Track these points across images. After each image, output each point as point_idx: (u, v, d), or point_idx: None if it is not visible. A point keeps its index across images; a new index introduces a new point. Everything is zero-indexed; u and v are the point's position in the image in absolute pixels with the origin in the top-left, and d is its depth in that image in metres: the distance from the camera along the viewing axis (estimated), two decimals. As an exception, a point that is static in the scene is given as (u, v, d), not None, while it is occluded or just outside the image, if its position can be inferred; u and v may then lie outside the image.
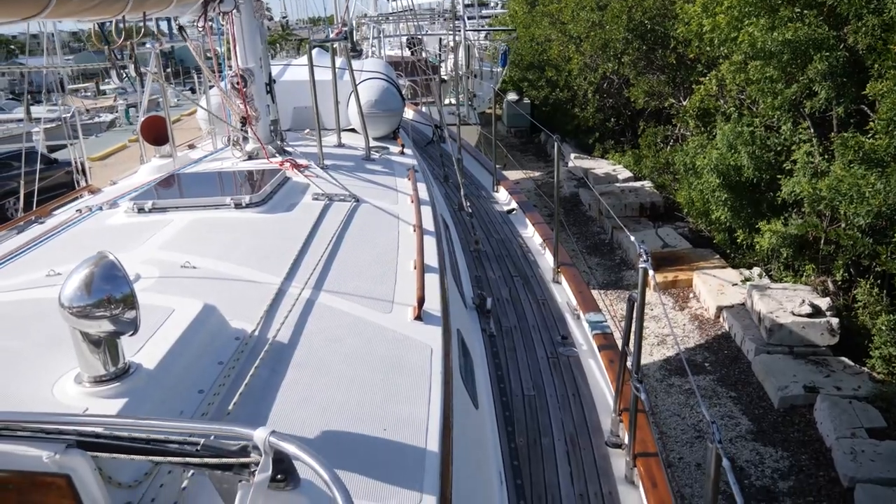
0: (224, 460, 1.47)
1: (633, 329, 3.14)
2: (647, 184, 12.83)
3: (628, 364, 3.35)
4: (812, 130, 8.29)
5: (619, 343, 3.58)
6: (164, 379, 2.02)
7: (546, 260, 5.91)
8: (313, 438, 2.05)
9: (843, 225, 7.80)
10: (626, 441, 3.46)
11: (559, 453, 3.54)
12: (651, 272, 2.91)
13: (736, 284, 8.86)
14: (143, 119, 5.68)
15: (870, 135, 6.98)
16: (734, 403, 6.92)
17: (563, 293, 5.26)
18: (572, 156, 15.31)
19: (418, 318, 2.86)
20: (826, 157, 7.94)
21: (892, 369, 6.96)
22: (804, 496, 5.66)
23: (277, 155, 5.08)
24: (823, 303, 7.65)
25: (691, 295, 9.21)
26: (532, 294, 5.27)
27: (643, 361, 7.74)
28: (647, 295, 9.48)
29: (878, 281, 7.60)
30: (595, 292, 5.40)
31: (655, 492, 3.10)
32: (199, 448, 1.49)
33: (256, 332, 2.52)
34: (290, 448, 1.38)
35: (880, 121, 6.71)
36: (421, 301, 2.92)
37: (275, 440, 1.40)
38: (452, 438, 2.26)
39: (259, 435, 1.41)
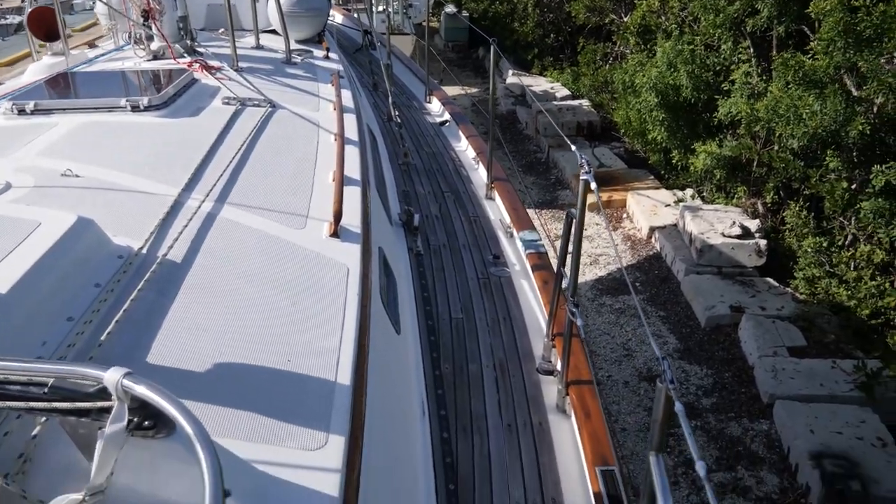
0: (78, 405, 1.22)
1: (570, 247, 2.97)
2: (584, 102, 12.62)
3: (564, 286, 3.19)
4: (752, 50, 8.16)
5: (554, 264, 3.40)
6: (20, 305, 1.72)
7: (479, 175, 5.66)
8: (203, 372, 1.80)
9: (776, 147, 7.80)
10: (559, 368, 3.33)
11: (487, 381, 3.39)
12: (593, 184, 2.71)
13: (669, 205, 8.85)
14: (31, 9, 5.02)
15: (810, 55, 6.88)
16: (662, 323, 6.98)
17: (497, 210, 5.05)
18: (510, 72, 14.91)
19: (334, 234, 2.60)
20: (764, 78, 7.84)
21: (814, 290, 7.10)
22: (726, 412, 5.78)
23: (186, 55, 4.62)
24: (753, 224, 7.71)
25: (625, 215, 9.18)
26: (463, 211, 5.05)
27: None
28: (582, 215, 9.45)
29: (807, 204, 7.67)
30: (530, 211, 5.22)
31: (588, 422, 2.99)
32: (46, 390, 1.23)
33: (144, 250, 2.22)
34: (145, 392, 1.13)
35: (821, 41, 6.60)
36: (337, 216, 2.65)
37: (129, 383, 1.14)
38: (368, 368, 2.05)
39: (110, 377, 1.15)
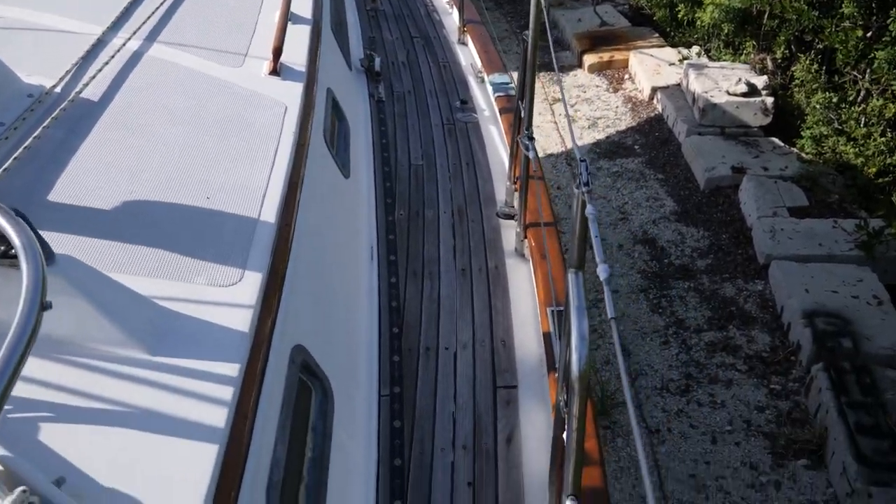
0: None
1: (527, 76, 2.76)
2: (589, -43, 11.80)
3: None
4: None
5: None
6: None
7: (452, 20, 5.29)
8: (110, 210, 1.63)
9: (789, -4, 7.26)
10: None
11: (443, 226, 3.27)
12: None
13: (673, 64, 8.41)
14: None
15: None
16: (661, 185, 6.76)
17: (469, 55, 4.74)
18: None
19: (274, 72, 2.37)
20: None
21: (820, 149, 6.82)
22: (720, 273, 5.67)
23: None
24: (760, 81, 7.32)
25: (626, 76, 8.76)
26: (433, 56, 4.74)
27: (571, 145, 7.44)
28: (581, 77, 9.01)
29: (819, 58, 7.24)
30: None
31: (543, 263, 2.88)
32: None
33: (58, 89, 2.00)
34: None
35: None
36: (277, 52, 2.40)
37: None
38: (299, 207, 1.88)
39: None
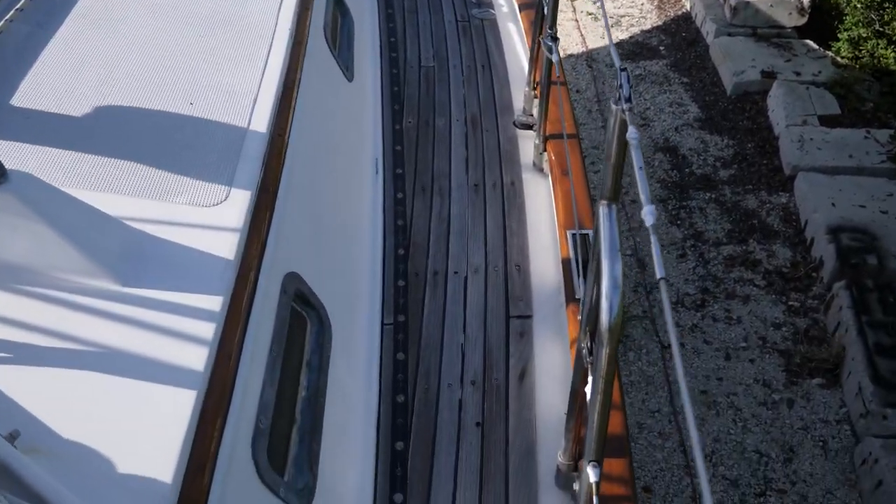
0: None
1: None
2: None
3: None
4: None
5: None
6: None
7: None
8: (81, 116, 1.46)
9: None
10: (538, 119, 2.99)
11: (455, 136, 3.04)
12: None
13: (705, -43, 7.85)
14: None
15: None
16: (685, 90, 6.44)
17: None
18: None
19: None
20: None
21: (857, 53, 6.43)
22: (743, 184, 5.46)
23: None
24: (798, -23, 6.82)
25: (655, -30, 8.21)
26: None
27: (593, 45, 7.07)
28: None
29: (864, -49, 6.71)
30: None
31: (564, 181, 2.67)
32: None
33: None
34: None
35: None
36: None
37: None
38: (295, 114, 1.70)
39: None
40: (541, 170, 2.99)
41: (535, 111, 3.11)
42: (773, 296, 4.65)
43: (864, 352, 4.03)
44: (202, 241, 1.35)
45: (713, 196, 5.37)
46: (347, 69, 2.81)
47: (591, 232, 2.48)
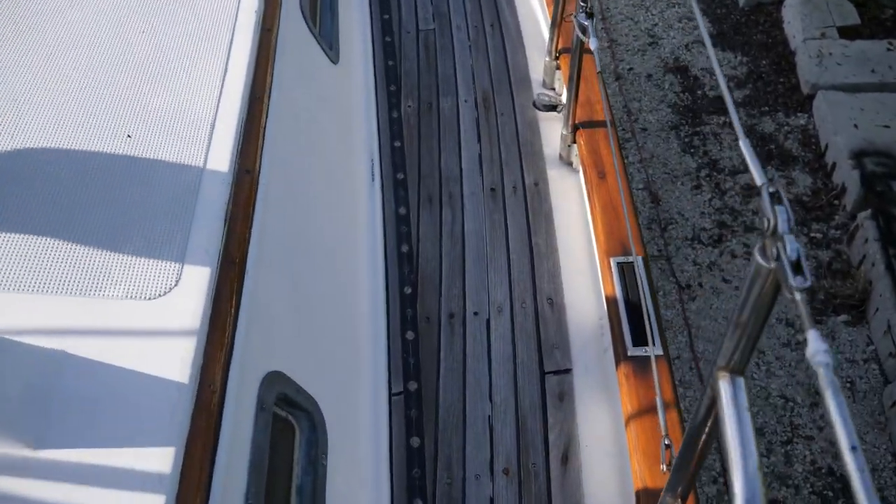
0: None
1: None
2: None
3: None
4: None
5: None
6: None
7: None
8: None
9: None
10: (564, 101, 2.50)
11: (465, 123, 2.58)
12: None
13: None
14: None
15: None
16: (695, 2, 6.01)
17: None
18: None
19: None
20: None
21: (878, -46, 5.98)
22: (759, 106, 5.15)
23: None
24: None
25: None
26: None
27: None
28: None
29: None
30: None
31: (603, 186, 2.21)
32: None
33: None
34: None
35: None
36: None
37: None
38: (266, 132, 1.39)
39: None
40: (569, 163, 2.52)
41: (556, 84, 2.69)
42: (795, 227, 4.43)
43: (893, 286, 3.85)
44: (144, 355, 1.05)
45: (727, 120, 5.07)
46: (332, 48, 2.36)
47: (637, 259, 2.02)
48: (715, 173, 4.75)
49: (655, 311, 1.92)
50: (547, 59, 2.67)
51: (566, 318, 2.18)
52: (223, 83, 1.44)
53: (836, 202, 4.54)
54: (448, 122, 2.60)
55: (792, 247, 0.89)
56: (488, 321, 2.18)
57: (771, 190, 0.94)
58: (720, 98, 5.21)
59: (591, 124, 2.39)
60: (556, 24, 2.53)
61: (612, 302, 2.01)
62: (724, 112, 5.12)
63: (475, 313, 2.18)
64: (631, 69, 5.42)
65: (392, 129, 2.55)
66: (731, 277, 4.20)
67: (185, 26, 1.54)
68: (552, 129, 2.60)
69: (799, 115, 5.03)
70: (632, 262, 2.02)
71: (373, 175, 2.39)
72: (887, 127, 4.66)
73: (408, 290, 2.18)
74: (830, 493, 3.36)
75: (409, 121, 2.58)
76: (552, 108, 2.61)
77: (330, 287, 1.96)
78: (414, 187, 2.42)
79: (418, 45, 2.80)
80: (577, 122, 2.40)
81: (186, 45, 1.53)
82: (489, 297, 2.19)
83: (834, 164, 4.67)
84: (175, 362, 1.01)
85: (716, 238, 4.40)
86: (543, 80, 2.75)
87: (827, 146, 4.79)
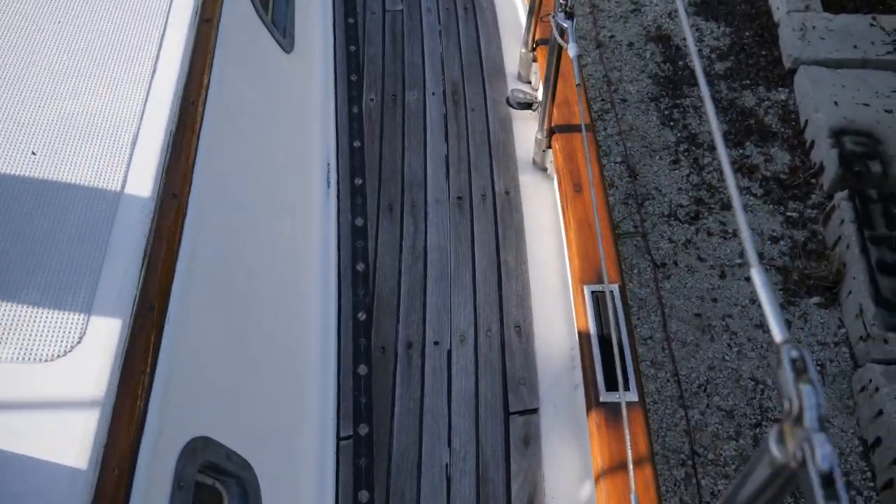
0: None
1: None
2: None
3: None
4: None
5: None
6: None
7: None
8: None
9: None
10: (540, 98, 2.29)
11: (432, 119, 2.37)
12: None
13: None
14: None
15: None
16: (679, -32, 5.85)
17: None
18: None
19: None
20: None
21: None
22: (740, 79, 5.06)
23: None
24: None
25: None
26: None
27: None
28: None
29: None
30: None
31: (579, 200, 2.01)
32: None
33: None
34: None
35: None
36: None
37: None
38: (204, 117, 1.25)
39: None
40: (543, 169, 2.32)
41: (532, 78, 2.47)
42: (771, 205, 4.39)
43: (866, 270, 3.84)
44: (32, 434, 0.85)
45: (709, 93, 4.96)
46: (286, 35, 2.11)
47: (612, 287, 1.84)
48: (694, 148, 4.67)
49: (632, 351, 1.77)
50: (523, 50, 2.46)
51: (534, 348, 1.98)
52: (150, 87, 1.26)
53: (812, 181, 4.49)
54: (414, 117, 2.38)
55: (824, 452, 0.65)
56: (449, 352, 1.98)
57: (794, 355, 0.70)
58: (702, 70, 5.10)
59: (568, 128, 2.18)
60: (534, 12, 2.33)
61: (584, 336, 1.83)
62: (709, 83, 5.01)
63: (435, 343, 1.99)
64: (612, 37, 5.28)
65: (352, 127, 2.31)
66: (706, 256, 4.16)
67: (108, 18, 1.33)
68: (526, 129, 2.40)
69: (780, 89, 4.95)
70: (605, 290, 1.84)
71: (328, 181, 2.17)
72: (867, 105, 4.60)
73: (362, 317, 1.98)
74: (796, 477, 3.37)
75: (371, 116, 2.35)
76: (527, 105, 2.40)
77: (272, 323, 1.75)
78: (373, 194, 2.21)
79: (384, 29, 2.56)
80: (553, 125, 2.20)
81: (107, 41, 1.32)
82: (451, 323, 2.00)
83: (813, 142, 4.61)
84: (72, 442, 0.83)
85: (692, 215, 4.34)
86: (519, 73, 2.54)
87: (807, 123, 4.72)
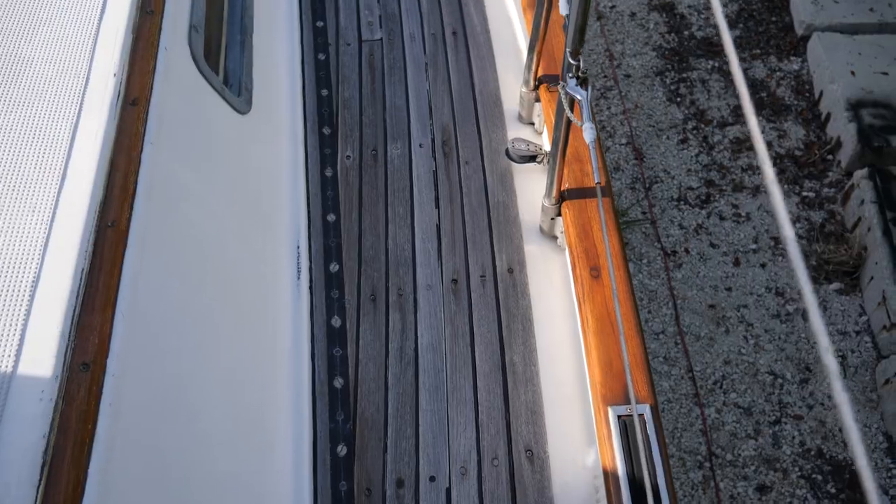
0: None
1: None
2: None
3: None
4: None
5: None
6: None
7: None
8: None
9: None
10: (547, 149, 1.97)
11: (419, 178, 2.04)
12: None
13: None
14: None
15: None
16: (682, -70, 5.54)
17: None
18: None
19: None
20: None
21: None
22: (750, 48, 4.80)
23: None
24: None
25: None
26: None
27: None
28: None
29: None
30: None
31: (597, 288, 1.70)
32: None
33: None
34: None
35: None
36: None
37: None
38: (133, 225, 1.05)
39: None
40: (553, 237, 1.98)
41: (535, 119, 2.12)
42: (786, 185, 4.18)
43: (890, 254, 3.64)
44: None
45: (716, 65, 4.72)
46: (241, 90, 1.78)
47: (647, 410, 1.53)
48: (702, 125, 4.44)
49: (668, 486, 1.45)
50: (524, 89, 2.13)
51: (549, 478, 1.65)
52: (56, 205, 1.06)
53: (829, 157, 4.27)
54: (398, 177, 2.02)
55: None
56: (448, 490, 1.65)
57: None
58: (709, 40, 4.84)
59: (581, 193, 1.81)
60: (536, 47, 2.00)
61: (609, 468, 1.51)
62: (713, 55, 4.76)
63: (431, 478, 1.66)
64: (613, 7, 5.00)
65: (325, 196, 1.95)
66: (718, 242, 3.96)
67: (12, 91, 1.12)
68: (530, 186, 2.06)
69: (792, 59, 4.70)
70: (638, 415, 1.51)
71: (299, 270, 1.82)
72: (885, 74, 4.36)
73: (342, 451, 1.65)
74: (819, 477, 3.22)
75: (348, 179, 1.99)
76: (530, 158, 2.04)
77: (228, 476, 1.44)
78: (352, 281, 1.86)
79: (360, 65, 2.19)
80: (563, 189, 1.87)
81: (9, 147, 1.14)
82: (450, 450, 1.66)
83: (829, 115, 4.37)
84: None
85: (703, 198, 4.13)
86: (519, 114, 2.21)
87: (821, 94, 4.48)
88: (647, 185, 4.18)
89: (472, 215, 2.03)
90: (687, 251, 3.93)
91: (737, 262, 3.88)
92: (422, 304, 1.87)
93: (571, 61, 1.50)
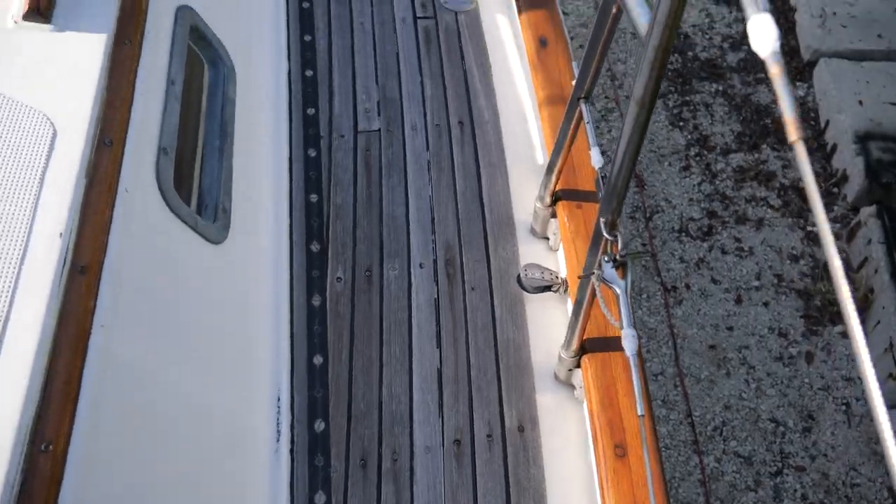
0: None
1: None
2: None
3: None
4: None
5: None
6: None
7: None
8: None
9: None
10: (562, 275, 1.81)
11: (420, 308, 1.80)
12: None
13: None
14: None
15: None
16: (687, -56, 5.38)
17: None
18: None
19: (37, 13, 1.28)
20: None
21: None
22: (754, 71, 4.65)
23: None
24: None
25: None
26: None
27: None
28: None
29: None
30: None
31: (624, 470, 1.48)
32: None
33: None
34: None
35: None
36: None
37: None
38: (85, 380, 0.92)
39: None
40: (570, 386, 1.76)
41: (551, 236, 1.92)
42: (790, 219, 4.04)
43: (897, 298, 3.51)
44: None
45: (720, 88, 4.57)
46: (217, 215, 1.58)
47: None
48: (705, 152, 4.29)
49: None
50: (538, 204, 1.93)
51: None
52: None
53: (835, 190, 4.14)
54: (395, 307, 1.78)
55: None
56: None
57: None
58: (713, 62, 4.69)
59: (605, 344, 1.57)
60: (554, 170, 1.81)
61: None
62: (717, 78, 4.61)
63: None
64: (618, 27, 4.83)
65: (311, 333, 1.69)
66: (720, 277, 3.81)
67: None
68: (545, 321, 1.82)
69: (799, 84, 4.56)
70: None
71: (278, 431, 1.57)
72: (895, 105, 4.23)
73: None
74: (821, 533, 3.10)
75: (339, 308, 1.74)
76: (545, 288, 1.82)
77: None
78: (340, 443, 1.60)
79: (356, 162, 1.95)
80: (584, 339, 1.64)
81: None
82: None
83: (835, 146, 4.24)
84: None
85: (705, 230, 3.98)
86: (532, 228, 2.00)
87: (828, 123, 4.35)
88: (648, 216, 4.03)
89: (479, 357, 1.78)
90: (688, 287, 3.78)
91: (739, 300, 3.74)
92: (419, 474, 1.63)
93: (606, 235, 1.25)
